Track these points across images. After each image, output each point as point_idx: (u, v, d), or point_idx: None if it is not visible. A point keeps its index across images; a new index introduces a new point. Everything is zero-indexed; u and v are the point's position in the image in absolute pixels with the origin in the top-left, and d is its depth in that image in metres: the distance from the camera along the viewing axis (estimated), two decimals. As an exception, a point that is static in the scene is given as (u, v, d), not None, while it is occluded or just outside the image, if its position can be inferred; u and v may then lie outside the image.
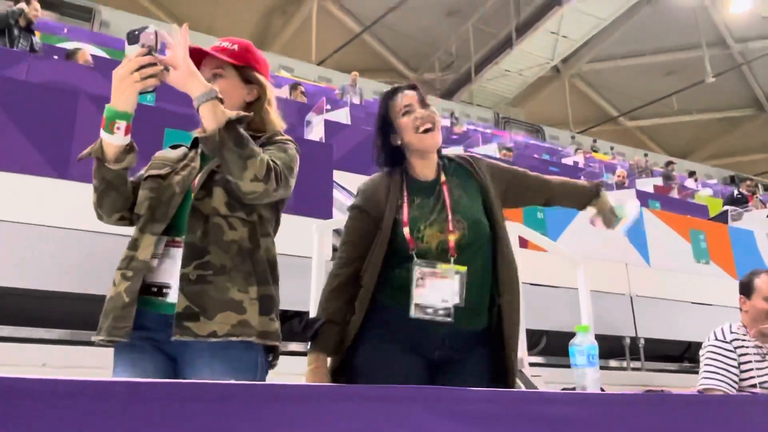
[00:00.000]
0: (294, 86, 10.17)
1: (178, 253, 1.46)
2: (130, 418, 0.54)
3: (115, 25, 16.11)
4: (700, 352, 2.67)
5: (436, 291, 1.67)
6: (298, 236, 3.33)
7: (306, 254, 3.01)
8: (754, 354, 2.51)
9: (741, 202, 9.55)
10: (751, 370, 2.47)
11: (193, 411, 0.58)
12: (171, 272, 1.45)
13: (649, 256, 4.70)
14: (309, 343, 1.76)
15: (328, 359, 1.75)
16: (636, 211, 1.95)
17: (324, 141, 6.49)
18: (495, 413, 0.96)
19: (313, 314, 2.60)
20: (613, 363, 4.47)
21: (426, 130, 1.79)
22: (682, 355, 4.88)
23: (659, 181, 11.51)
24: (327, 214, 3.63)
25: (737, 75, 23.26)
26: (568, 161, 12.42)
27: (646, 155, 22.61)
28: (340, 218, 3.84)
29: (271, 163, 1.45)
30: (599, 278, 4.17)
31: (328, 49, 20.49)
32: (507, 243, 1.79)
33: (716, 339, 2.59)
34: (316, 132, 7.33)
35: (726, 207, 8.56)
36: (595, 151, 18.89)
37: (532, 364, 3.59)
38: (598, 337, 3.66)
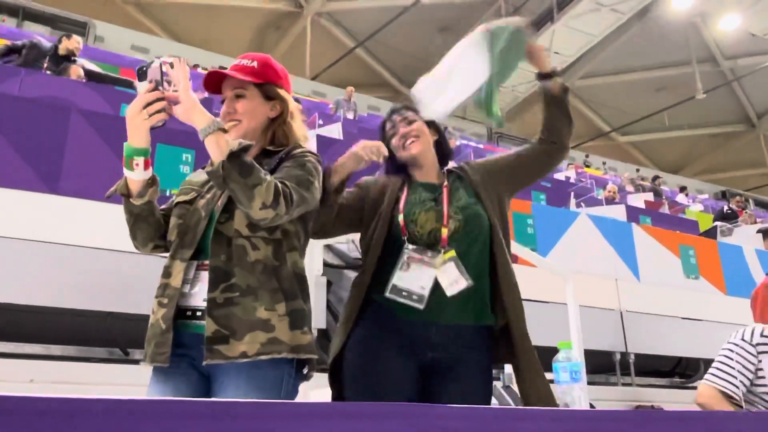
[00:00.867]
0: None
1: (207, 276, 1.50)
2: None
3: (109, 39, 16.15)
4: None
5: (417, 277, 1.70)
6: (288, 251, 3.34)
7: (296, 269, 3.00)
8: None
9: (731, 217, 9.61)
10: None
11: (164, 428, 0.58)
12: (202, 295, 1.49)
13: (639, 271, 4.73)
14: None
15: None
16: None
17: None
18: (479, 429, 0.96)
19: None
20: (603, 378, 4.47)
21: (411, 143, 1.90)
22: (673, 370, 4.89)
23: (650, 196, 11.57)
24: (318, 230, 3.63)
25: (727, 91, 23.50)
26: (560, 176, 12.46)
27: (638, 170, 22.78)
28: (331, 233, 3.85)
29: (279, 186, 1.45)
30: (589, 293, 4.18)
31: (322, 64, 20.60)
32: (501, 245, 1.81)
33: (742, 339, 2.38)
34: (308, 147, 7.34)
35: (716, 222, 8.61)
36: (587, 166, 19.00)
37: (522, 380, 3.59)
38: (588, 353, 3.68)
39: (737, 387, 2.31)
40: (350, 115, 12.28)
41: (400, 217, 1.78)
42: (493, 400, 2.77)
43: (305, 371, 1.56)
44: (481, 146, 15.75)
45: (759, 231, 7.37)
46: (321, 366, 3.28)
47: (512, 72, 1.86)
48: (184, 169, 3.28)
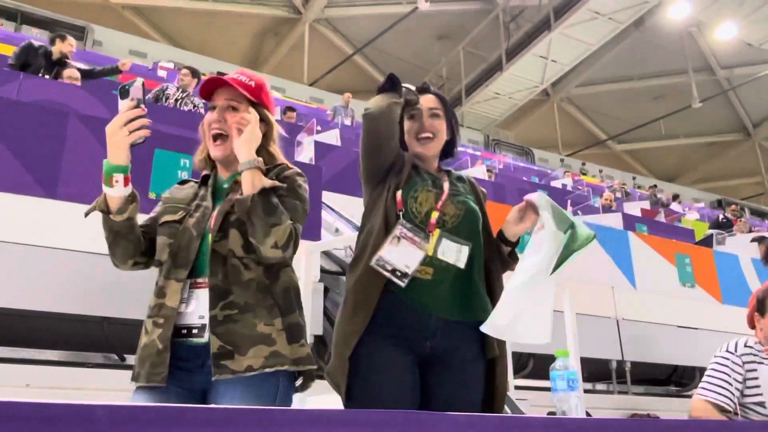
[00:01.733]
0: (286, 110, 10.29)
1: (202, 293, 1.52)
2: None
3: (107, 43, 16.16)
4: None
5: (405, 255, 1.70)
6: (286, 257, 3.34)
7: (294, 276, 3.00)
8: (765, 371, 2.40)
9: (726, 226, 9.65)
10: (759, 387, 2.38)
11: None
12: (197, 313, 1.51)
13: (635, 279, 4.74)
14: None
15: None
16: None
17: (313, 162, 6.51)
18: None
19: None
20: (599, 386, 4.47)
21: (425, 139, 1.90)
22: (669, 378, 4.89)
23: (646, 204, 11.60)
24: (315, 236, 3.64)
25: (723, 100, 23.64)
26: (556, 184, 12.50)
27: (634, 178, 22.86)
28: (328, 240, 3.86)
29: (293, 231, 1.54)
30: (585, 301, 4.19)
31: (319, 70, 20.64)
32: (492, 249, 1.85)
33: (727, 351, 2.49)
34: (306, 153, 7.35)
35: (711, 231, 8.64)
36: (584, 174, 19.06)
37: (518, 387, 3.59)
38: (585, 361, 3.68)
39: (730, 399, 2.37)
40: (348, 122, 12.30)
41: (399, 193, 1.78)
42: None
43: (298, 383, 1.61)
44: (478, 153, 15.78)
45: (754, 240, 7.41)
46: (318, 373, 3.27)
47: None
48: (181, 175, 3.28)
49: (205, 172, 1.73)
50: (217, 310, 1.49)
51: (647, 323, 4.58)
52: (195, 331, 1.50)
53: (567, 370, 1.41)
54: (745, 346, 2.47)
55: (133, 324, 2.81)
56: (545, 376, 1.81)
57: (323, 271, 3.57)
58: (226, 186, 1.67)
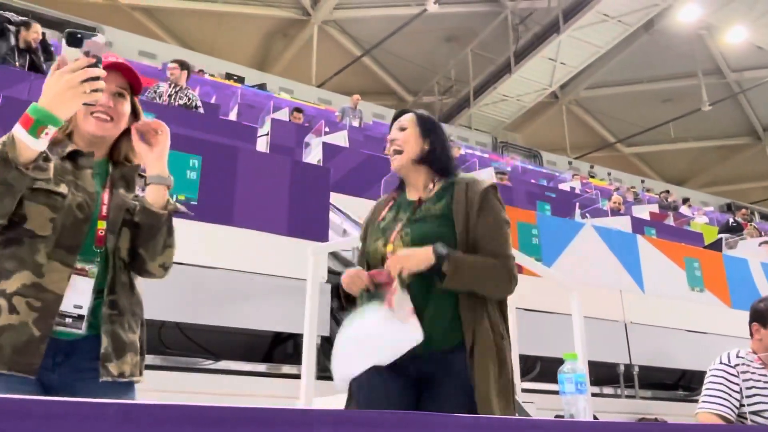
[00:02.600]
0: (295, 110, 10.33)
1: (82, 281, 1.43)
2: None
3: (117, 44, 16.24)
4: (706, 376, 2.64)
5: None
6: (293, 258, 3.35)
7: (301, 276, 3.01)
8: (759, 381, 2.49)
9: (736, 230, 9.58)
10: (756, 396, 2.44)
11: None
12: (73, 301, 1.41)
13: (644, 283, 4.71)
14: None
15: None
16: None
17: (321, 163, 6.52)
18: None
19: (307, 336, 2.61)
20: (607, 390, 4.45)
21: (395, 152, 1.89)
22: (677, 383, 4.86)
23: (655, 208, 11.55)
24: (323, 237, 3.65)
25: (733, 104, 23.49)
26: (564, 186, 12.46)
27: (643, 181, 22.76)
28: (336, 241, 3.86)
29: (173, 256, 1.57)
30: (594, 305, 4.17)
31: (328, 71, 20.67)
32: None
33: (721, 363, 2.55)
34: (314, 154, 7.37)
35: (721, 235, 8.59)
36: (592, 177, 19.00)
37: (525, 390, 3.58)
38: (593, 364, 3.67)
39: (730, 409, 2.43)
40: (356, 123, 12.31)
41: (366, 243, 1.87)
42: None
43: None
44: (486, 156, 15.76)
45: (764, 242, 7.36)
46: (323, 374, 3.27)
47: None
48: (190, 175, 3.29)
49: (72, 148, 1.51)
50: (105, 308, 1.44)
51: (655, 327, 4.56)
52: (69, 320, 1.40)
53: (575, 373, 1.40)
54: (737, 356, 2.54)
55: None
56: (552, 380, 1.80)
57: (330, 272, 3.58)
58: (98, 170, 1.55)
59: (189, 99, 6.26)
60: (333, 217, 4.12)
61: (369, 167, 6.66)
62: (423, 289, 1.69)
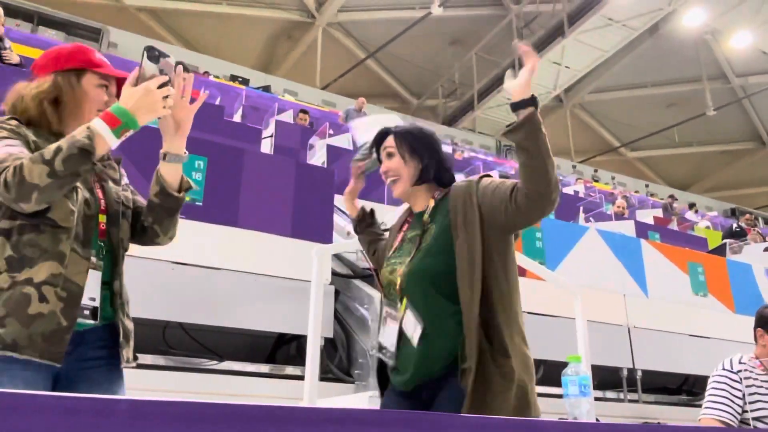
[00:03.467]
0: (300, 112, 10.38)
1: (94, 274, 1.48)
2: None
3: (122, 46, 16.31)
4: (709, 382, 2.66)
5: (390, 333, 1.73)
6: (297, 260, 3.36)
7: (305, 278, 3.02)
8: (762, 386, 2.51)
9: (740, 235, 9.55)
10: (758, 402, 2.46)
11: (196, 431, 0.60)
12: (87, 294, 1.45)
13: (647, 287, 4.71)
14: None
15: None
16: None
17: (326, 165, 6.53)
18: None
19: (311, 338, 2.61)
20: (610, 394, 4.44)
21: (392, 186, 1.86)
22: (680, 387, 4.85)
23: (659, 212, 11.53)
24: (327, 239, 3.65)
25: (738, 109, 23.46)
26: (568, 190, 12.46)
27: (647, 186, 22.73)
28: (340, 242, 3.87)
29: None
30: (597, 308, 4.17)
31: (332, 74, 20.71)
32: (467, 285, 1.62)
33: (723, 369, 2.59)
34: (318, 156, 7.38)
35: (725, 240, 8.57)
36: (596, 181, 18.99)
37: (528, 394, 3.58)
38: (596, 368, 3.66)
39: (733, 415, 2.47)
40: (360, 126, 12.31)
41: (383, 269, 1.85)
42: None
43: None
44: (490, 159, 15.77)
45: (767, 249, 7.35)
46: (326, 375, 3.27)
47: None
48: (196, 176, 3.30)
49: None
50: (118, 298, 1.53)
51: (659, 331, 4.55)
52: (86, 312, 1.45)
53: (579, 375, 1.41)
54: (740, 362, 2.58)
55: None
56: (556, 383, 1.80)
57: (334, 274, 3.58)
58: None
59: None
60: (337, 219, 4.12)
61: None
62: (430, 309, 1.66)
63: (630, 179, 23.59)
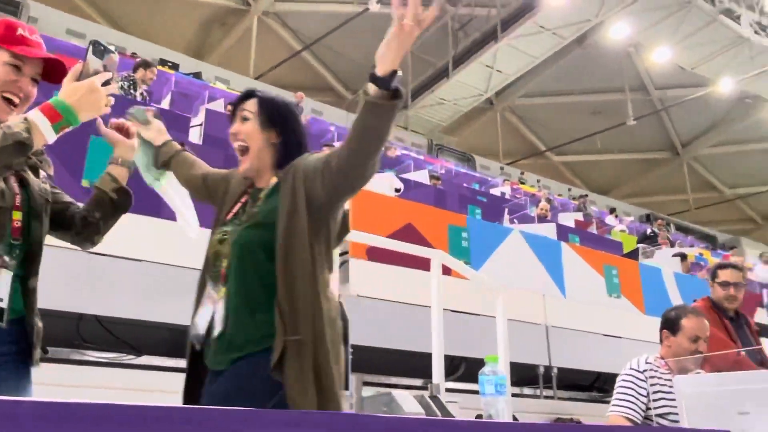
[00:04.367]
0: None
1: (4, 274, 1.41)
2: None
3: (43, 21, 15.45)
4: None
5: (203, 314, 1.61)
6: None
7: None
8: (665, 385, 2.64)
9: (654, 239, 10.06)
10: (661, 399, 2.59)
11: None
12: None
13: (566, 288, 4.89)
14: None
15: None
16: None
17: (203, 126, 6.40)
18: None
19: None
20: (527, 391, 4.60)
21: (240, 158, 1.69)
22: (592, 384, 5.08)
23: (580, 216, 11.98)
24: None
25: (656, 120, 24.68)
26: (495, 191, 12.75)
27: (569, 189, 23.58)
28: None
29: None
30: (518, 307, 4.30)
31: (266, 64, 20.36)
32: (288, 262, 1.50)
33: (630, 368, 2.73)
34: (197, 120, 7.22)
35: (639, 244, 9.01)
36: (522, 183, 19.51)
37: (449, 390, 3.66)
38: (514, 365, 3.78)
39: (637, 412, 2.61)
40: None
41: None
42: (420, 410, 2.81)
43: None
44: (421, 157, 15.93)
45: (676, 255, 7.79)
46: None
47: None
48: (118, 163, 3.18)
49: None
50: (31, 296, 1.48)
51: (575, 331, 4.75)
52: None
53: (495, 375, 1.45)
54: (646, 362, 2.72)
55: (116, 322, 2.72)
56: (476, 380, 1.85)
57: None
58: None
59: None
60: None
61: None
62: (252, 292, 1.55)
63: (554, 182, 24.35)
